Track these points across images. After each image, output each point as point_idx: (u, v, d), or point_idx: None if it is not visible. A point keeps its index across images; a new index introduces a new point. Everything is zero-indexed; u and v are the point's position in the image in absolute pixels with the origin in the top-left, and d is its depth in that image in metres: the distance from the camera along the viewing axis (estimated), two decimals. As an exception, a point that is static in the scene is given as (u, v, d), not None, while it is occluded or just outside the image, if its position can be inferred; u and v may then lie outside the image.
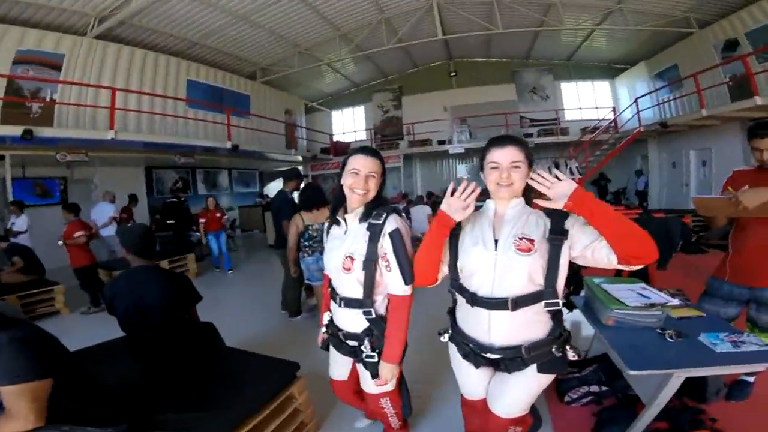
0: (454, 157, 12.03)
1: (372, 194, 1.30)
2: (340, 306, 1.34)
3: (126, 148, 6.64)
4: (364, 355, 1.31)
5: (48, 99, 6.15)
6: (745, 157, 6.88)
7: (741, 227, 1.75)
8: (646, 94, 9.02)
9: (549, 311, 1.10)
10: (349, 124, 14.02)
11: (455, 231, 1.17)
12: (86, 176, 7.42)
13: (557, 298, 1.08)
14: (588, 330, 2.75)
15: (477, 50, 11.73)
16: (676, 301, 1.59)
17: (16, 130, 4.76)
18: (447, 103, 12.24)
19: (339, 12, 8.53)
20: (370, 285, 1.27)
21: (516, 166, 1.10)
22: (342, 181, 1.31)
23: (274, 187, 12.52)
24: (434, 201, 8.57)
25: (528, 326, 1.11)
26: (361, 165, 1.27)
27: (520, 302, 1.07)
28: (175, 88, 8.10)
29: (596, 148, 9.55)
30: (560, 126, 11.20)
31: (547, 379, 1.16)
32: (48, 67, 6.11)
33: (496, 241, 1.12)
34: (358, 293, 1.29)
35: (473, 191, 1.07)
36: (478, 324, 1.14)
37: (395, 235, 1.23)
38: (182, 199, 7.57)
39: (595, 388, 2.05)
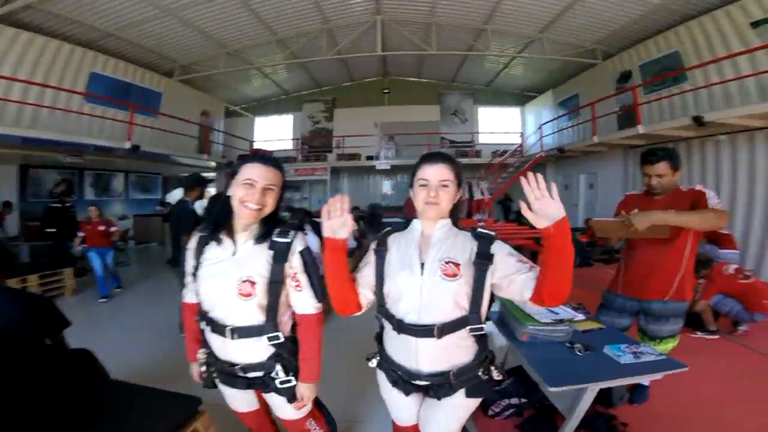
0: (381, 173, 12.23)
1: (268, 210, 1.15)
2: (231, 338, 1.15)
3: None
4: (277, 382, 1.18)
5: None
6: (623, 181, 8.00)
7: (631, 246, 1.97)
8: (548, 121, 10.04)
9: (474, 335, 1.09)
10: (274, 132, 13.44)
11: (380, 253, 1.15)
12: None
13: (482, 323, 1.07)
14: (501, 341, 2.91)
15: (410, 70, 12.20)
16: (580, 316, 1.73)
17: None
18: (378, 120, 12.46)
19: (280, 17, 8.20)
20: (275, 308, 1.16)
21: (444, 185, 1.09)
22: (230, 193, 1.13)
23: (178, 194, 11.37)
24: (357, 216, 8.46)
25: (454, 352, 1.09)
26: (257, 175, 1.11)
27: (445, 329, 1.05)
28: (74, 81, 6.97)
29: (504, 171, 10.44)
30: (475, 149, 12.10)
31: (476, 402, 1.15)
32: None
33: (422, 265, 1.09)
34: (258, 320, 1.15)
35: (342, 204, 1.01)
36: (406, 351, 1.11)
37: (306, 254, 1.17)
38: (67, 204, 6.48)
39: (515, 401, 2.14)
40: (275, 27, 8.56)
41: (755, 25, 5.46)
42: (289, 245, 1.15)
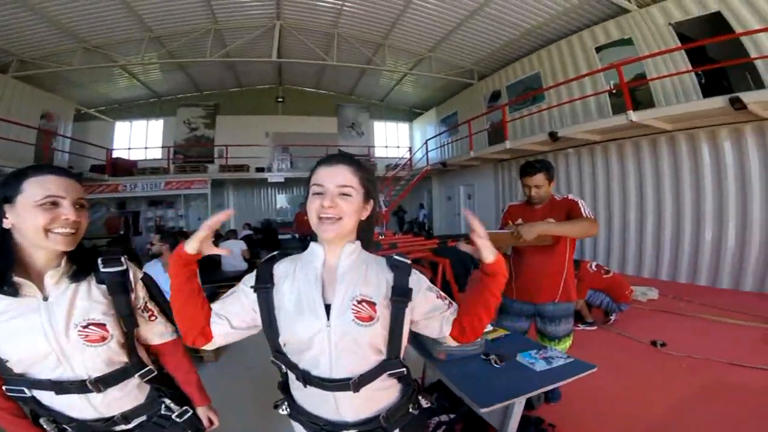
0: (275, 186, 11.60)
1: (82, 234, 0.90)
2: (97, 391, 0.90)
3: None
4: (174, 417, 1.03)
5: None
6: (495, 192, 9.07)
7: (519, 254, 2.17)
8: (432, 137, 10.94)
9: (394, 377, 0.94)
10: (140, 139, 11.59)
11: (264, 292, 0.88)
12: None
13: (401, 367, 0.90)
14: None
15: (308, 80, 11.93)
16: (489, 328, 1.80)
17: None
18: (270, 129, 11.87)
19: (159, 13, 7.13)
20: (134, 345, 0.99)
21: (345, 194, 0.85)
22: (11, 223, 0.83)
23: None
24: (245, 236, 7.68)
25: (378, 397, 0.91)
26: (60, 188, 0.85)
27: (363, 381, 0.85)
28: None
29: (396, 184, 11.00)
30: (371, 161, 12.44)
31: None
32: None
33: (327, 307, 0.85)
34: (120, 362, 0.95)
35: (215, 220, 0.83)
36: (322, 402, 0.90)
37: (147, 279, 1.06)
38: None
39: (444, 417, 2.12)
40: (151, 23, 7.48)
41: (599, 49, 6.72)
42: (124, 273, 0.97)
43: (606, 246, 6.57)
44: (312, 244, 0.92)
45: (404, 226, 12.09)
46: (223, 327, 0.89)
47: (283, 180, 10.64)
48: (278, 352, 0.90)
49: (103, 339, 0.90)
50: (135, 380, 0.98)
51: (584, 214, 1.93)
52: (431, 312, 0.92)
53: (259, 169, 10.73)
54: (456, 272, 3.53)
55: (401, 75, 11.01)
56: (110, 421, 0.95)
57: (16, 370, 0.87)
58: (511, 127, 7.84)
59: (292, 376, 0.92)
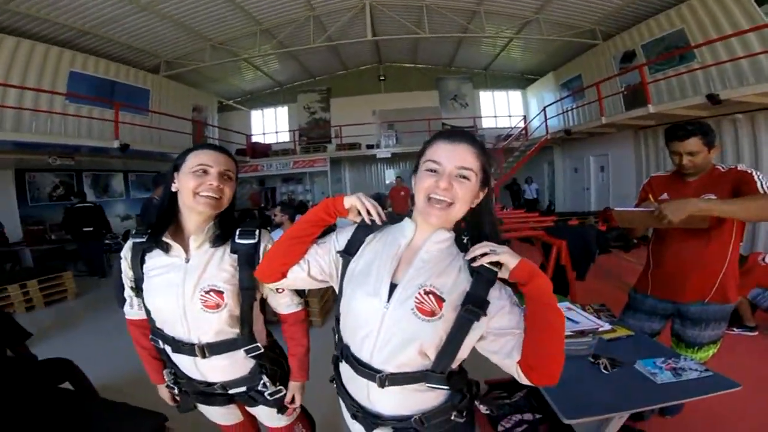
0: (382, 162, 11.96)
1: (226, 203, 1.00)
2: (202, 356, 0.99)
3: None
4: (266, 394, 1.07)
5: None
6: (636, 163, 7.79)
7: (660, 238, 1.67)
8: (552, 103, 9.74)
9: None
10: (271, 125, 13.16)
11: (349, 255, 0.86)
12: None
13: (444, 384, 0.77)
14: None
15: (405, 55, 11.85)
16: (606, 325, 1.46)
17: None
18: (376, 107, 12.16)
19: (262, 5, 7.83)
20: (249, 318, 1.02)
21: (464, 177, 0.76)
22: (175, 188, 0.98)
23: None
24: None
25: (413, 398, 0.81)
26: (210, 160, 0.96)
27: (393, 381, 0.77)
28: (53, 81, 6.68)
29: (509, 155, 10.13)
30: (477, 133, 11.77)
31: None
32: None
33: (392, 287, 0.78)
34: (231, 333, 1.01)
35: (378, 213, 0.82)
36: (356, 386, 0.85)
37: None
38: (93, 203, 6.48)
39: (528, 416, 1.88)
40: (258, 16, 8.22)
41: (761, 2, 5.29)
42: (256, 246, 1.00)
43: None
44: (405, 220, 0.86)
45: (521, 201, 11.10)
46: (299, 272, 0.89)
47: (389, 155, 10.87)
48: (337, 320, 0.89)
49: (217, 306, 0.96)
50: (241, 353, 1.03)
51: (761, 190, 1.37)
52: (512, 329, 0.76)
53: (369, 146, 11.15)
54: (575, 256, 3.00)
55: (506, 41, 10.03)
56: (213, 386, 1.05)
57: (156, 323, 1.03)
58: (653, 89, 6.59)
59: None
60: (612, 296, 2.01)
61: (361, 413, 0.85)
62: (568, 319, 1.46)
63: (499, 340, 0.76)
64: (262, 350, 1.06)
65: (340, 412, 0.98)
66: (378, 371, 0.77)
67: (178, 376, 1.08)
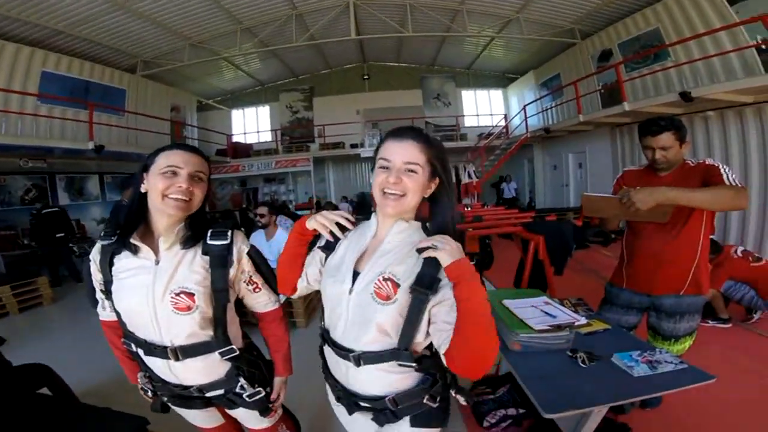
0: (367, 161, 11.94)
1: (197, 204, 0.98)
2: (175, 359, 0.98)
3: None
4: (245, 396, 1.07)
5: None
6: (613, 159, 7.99)
7: (634, 233, 1.72)
8: (532, 102, 9.89)
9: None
10: (252, 124, 12.96)
11: (328, 250, 0.97)
12: None
13: (412, 362, 0.83)
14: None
15: (389, 54, 11.85)
16: (582, 319, 1.50)
17: None
18: (360, 106, 12.12)
19: (242, 4, 7.71)
20: (223, 320, 1.02)
21: (411, 170, 0.83)
22: (144, 188, 0.96)
23: None
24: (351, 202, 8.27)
25: (387, 377, 0.87)
26: (180, 161, 0.94)
27: (365, 359, 0.84)
28: (24, 82, 6.41)
29: (490, 153, 10.25)
30: (460, 132, 11.88)
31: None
32: None
33: (355, 275, 0.87)
34: (204, 335, 1.00)
35: (343, 219, 0.89)
36: (338, 367, 0.92)
37: (254, 253, 1.09)
38: (58, 208, 6.35)
39: (512, 411, 1.95)
40: (238, 15, 8.09)
41: (732, 2, 5.46)
42: (228, 247, 1.01)
43: (760, 227, 5.15)
44: (372, 216, 0.94)
45: (504, 197, 11.25)
46: (302, 282, 1.01)
47: (373, 155, 10.81)
48: (322, 310, 0.96)
49: (188, 308, 0.95)
50: (215, 356, 1.02)
51: (728, 182, 1.42)
52: (446, 322, 0.79)
53: (354, 146, 11.11)
54: (552, 251, 3.07)
55: (488, 40, 10.18)
56: (188, 389, 1.04)
57: (127, 326, 1.01)
58: (629, 87, 6.81)
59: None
60: (590, 290, 2.08)
61: (343, 394, 0.92)
62: (546, 313, 1.49)
63: (436, 327, 0.81)
64: (238, 352, 1.05)
65: (328, 401, 1.04)
66: (351, 350, 0.85)
67: (153, 380, 1.06)
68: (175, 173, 0.93)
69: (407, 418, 0.89)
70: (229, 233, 1.02)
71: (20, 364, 1.92)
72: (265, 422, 1.18)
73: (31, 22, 6.20)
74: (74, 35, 6.93)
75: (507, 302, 1.60)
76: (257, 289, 1.10)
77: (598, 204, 1.65)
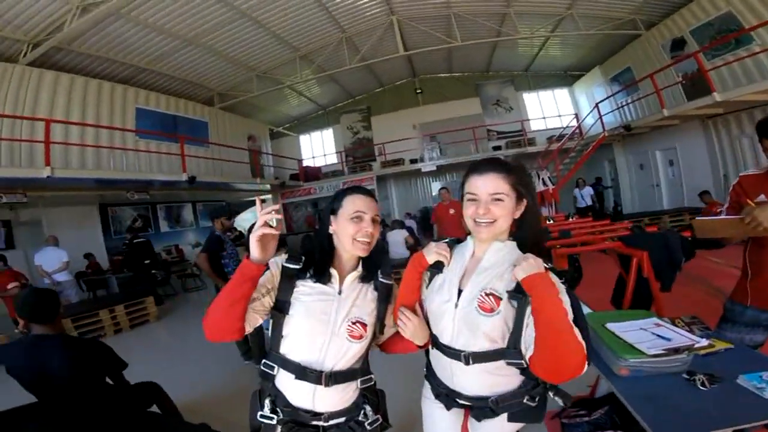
0: (428, 176, 11.90)
1: (374, 243, 1.07)
2: (326, 384, 1.01)
3: (69, 186, 6.08)
4: (366, 424, 1.08)
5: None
6: (709, 154, 7.17)
7: (759, 245, 1.46)
8: (604, 99, 9.20)
9: (515, 366, 0.97)
10: (319, 148, 13.73)
11: (438, 267, 1.09)
12: (33, 218, 6.73)
13: (521, 359, 0.92)
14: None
15: (440, 66, 11.89)
16: (702, 341, 1.28)
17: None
18: (416, 121, 12.23)
19: (295, 32, 8.36)
20: (367, 351, 1.14)
21: (498, 199, 0.94)
22: (333, 229, 1.07)
23: (244, 219, 11.91)
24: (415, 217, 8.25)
25: (492, 379, 0.99)
26: (364, 207, 1.04)
27: (475, 358, 0.96)
28: (122, 118, 7.51)
29: (564, 156, 9.60)
30: (527, 137, 11.32)
31: (518, 426, 1.05)
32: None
33: (460, 292, 1.00)
34: (357, 363, 1.09)
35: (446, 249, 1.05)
36: (443, 368, 1.06)
37: (396, 289, 1.18)
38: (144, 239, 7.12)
39: None
40: (295, 43, 8.72)
41: None
42: (392, 287, 1.12)
43: None
44: (468, 238, 1.08)
45: (603, 204, 9.96)
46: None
47: (435, 168, 10.78)
48: (427, 321, 1.08)
49: (361, 337, 1.05)
50: (355, 384, 1.08)
51: None
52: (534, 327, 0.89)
53: (413, 161, 11.19)
54: (657, 266, 2.64)
55: (543, 40, 9.84)
56: (316, 416, 1.03)
57: (284, 347, 1.04)
58: (714, 76, 6.15)
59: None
60: (703, 304, 1.78)
61: (445, 391, 1.06)
62: (658, 336, 1.31)
63: (527, 333, 0.90)
64: (374, 381, 1.12)
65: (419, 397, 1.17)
66: (461, 351, 0.97)
67: (277, 404, 1.05)
68: (360, 218, 1.03)
69: (505, 414, 1.00)
70: (391, 275, 1.13)
71: (135, 382, 2.04)
72: None
73: (117, 61, 7.22)
74: (156, 71, 7.97)
75: (611, 326, 1.46)
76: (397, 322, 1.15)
77: (712, 226, 1.51)
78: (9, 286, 4.27)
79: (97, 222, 8.10)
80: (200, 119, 9.43)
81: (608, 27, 8.30)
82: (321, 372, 1.01)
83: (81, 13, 5.51)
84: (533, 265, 0.86)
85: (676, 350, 1.22)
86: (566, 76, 11.93)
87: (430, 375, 1.12)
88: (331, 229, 1.07)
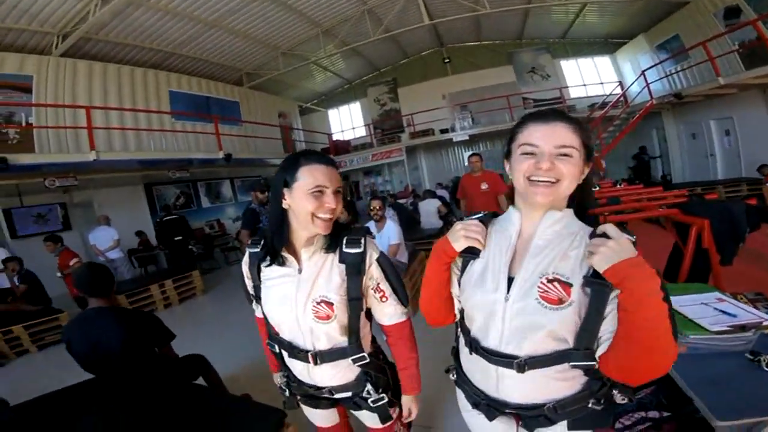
0: (459, 145, 11.63)
1: (336, 216, 0.97)
2: (314, 363, 1.02)
3: (115, 167, 6.39)
4: (369, 402, 1.07)
5: (24, 123, 5.84)
6: None
7: None
8: (651, 66, 8.60)
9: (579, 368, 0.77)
10: (347, 121, 13.68)
11: (472, 255, 0.86)
12: (85, 199, 7.18)
13: (592, 360, 0.73)
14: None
15: (468, 34, 11.35)
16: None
17: (-9, 159, 4.48)
18: (445, 91, 11.83)
19: (316, 7, 8.17)
20: (356, 328, 1.02)
21: (565, 154, 0.73)
22: (288, 204, 0.95)
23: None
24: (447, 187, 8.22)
25: (550, 385, 0.78)
26: (325, 179, 0.92)
27: (531, 364, 0.75)
28: (158, 101, 7.79)
29: (608, 125, 9.05)
30: (566, 104, 10.71)
31: None
32: (18, 90, 5.81)
33: (510, 280, 0.78)
34: (340, 341, 1.02)
35: (478, 229, 0.82)
36: (484, 376, 0.85)
37: (383, 260, 1.03)
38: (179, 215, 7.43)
39: (654, 414, 1.68)
40: (316, 17, 8.53)
41: None
42: (362, 255, 0.98)
43: None
44: (510, 209, 0.85)
45: (650, 173, 9.65)
46: (457, 304, 0.93)
47: (467, 137, 10.52)
48: (461, 316, 0.92)
49: (328, 317, 0.97)
50: (348, 361, 1.04)
51: None
52: (612, 321, 0.70)
53: (443, 131, 10.93)
54: (719, 237, 2.40)
55: (579, 7, 9.15)
56: (320, 390, 1.08)
57: (274, 329, 1.07)
58: None
59: (462, 342, 0.92)
60: (758, 278, 1.65)
61: (485, 401, 0.85)
62: (722, 311, 1.24)
63: (604, 325, 0.71)
64: (368, 359, 1.06)
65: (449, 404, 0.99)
66: (512, 357, 0.77)
67: (290, 379, 1.13)
68: (322, 192, 0.92)
69: (564, 422, 0.80)
70: (362, 240, 1.00)
71: (183, 355, 2.08)
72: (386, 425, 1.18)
73: (145, 47, 7.37)
74: (184, 55, 8.09)
75: (671, 299, 1.39)
76: (384, 298, 1.04)
77: None
78: (71, 262, 4.32)
79: (144, 200, 8.51)
80: (232, 99, 9.61)
81: (652, -7, 7.60)
82: (308, 351, 1.01)
83: (102, 4, 5.61)
84: (618, 249, 0.65)
85: (743, 327, 1.15)
86: (607, 44, 11.11)
87: (463, 382, 0.93)
88: (285, 204, 0.95)
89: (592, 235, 0.72)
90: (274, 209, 0.98)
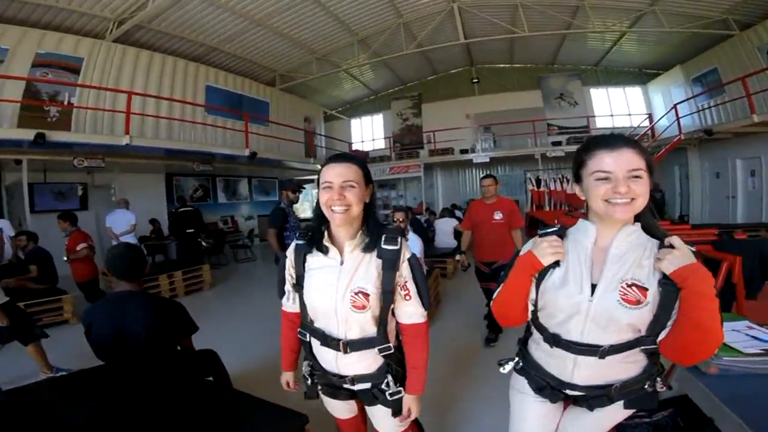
0: (479, 167, 11.61)
1: (356, 210, 1.04)
2: (344, 351, 1.09)
3: (143, 154, 6.60)
4: (387, 394, 1.12)
5: (66, 103, 6.12)
6: None
7: None
8: (685, 100, 8.45)
9: (646, 352, 0.94)
10: (368, 132, 13.88)
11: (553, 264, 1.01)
12: (106, 182, 7.41)
13: (654, 344, 0.90)
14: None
15: (500, 56, 11.48)
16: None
17: (31, 134, 4.69)
18: (469, 111, 11.94)
19: (356, 16, 8.45)
20: (385, 319, 1.10)
21: (637, 176, 0.84)
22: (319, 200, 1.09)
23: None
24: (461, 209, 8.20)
25: (620, 368, 0.95)
26: (332, 175, 1.04)
27: (612, 351, 0.91)
28: (194, 94, 8.09)
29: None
30: (592, 134, 10.67)
31: (626, 414, 1.03)
32: (67, 71, 6.13)
33: (593, 286, 0.91)
34: (370, 332, 1.09)
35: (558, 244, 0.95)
36: (559, 363, 1.00)
37: (414, 261, 1.11)
38: (193, 207, 7.54)
39: None
40: (354, 26, 8.79)
41: None
42: (398, 252, 1.07)
43: None
44: (585, 222, 0.96)
45: (664, 210, 9.42)
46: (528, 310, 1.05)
47: (488, 160, 10.49)
48: (533, 312, 1.03)
49: (363, 308, 1.04)
50: (374, 352, 1.10)
51: None
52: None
53: (463, 151, 10.96)
54: (748, 273, 2.51)
55: (618, 35, 9.20)
56: (343, 379, 1.13)
57: (310, 316, 1.14)
58: None
59: (538, 337, 1.03)
60: None
61: (554, 384, 1.01)
62: (753, 338, 1.25)
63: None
64: (393, 350, 1.12)
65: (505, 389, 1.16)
66: (596, 346, 0.91)
67: (314, 369, 1.18)
68: (329, 187, 1.03)
69: (621, 402, 0.97)
70: (399, 239, 1.09)
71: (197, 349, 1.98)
72: (393, 426, 1.20)
73: (191, 40, 7.71)
74: (225, 51, 8.43)
75: None
76: (408, 297, 1.11)
77: None
78: (78, 248, 3.93)
79: (163, 189, 8.74)
80: (263, 99, 9.90)
81: (695, 26, 7.65)
82: (339, 340, 1.07)
83: (163, -8, 5.89)
84: (682, 256, 0.80)
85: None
86: (640, 74, 11.09)
87: (532, 368, 1.06)
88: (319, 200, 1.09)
89: (661, 246, 0.86)
90: (316, 206, 1.10)
